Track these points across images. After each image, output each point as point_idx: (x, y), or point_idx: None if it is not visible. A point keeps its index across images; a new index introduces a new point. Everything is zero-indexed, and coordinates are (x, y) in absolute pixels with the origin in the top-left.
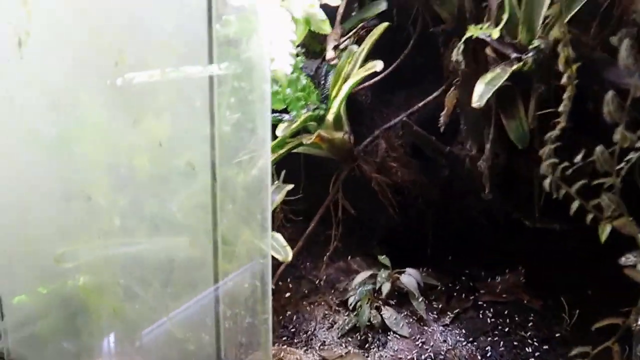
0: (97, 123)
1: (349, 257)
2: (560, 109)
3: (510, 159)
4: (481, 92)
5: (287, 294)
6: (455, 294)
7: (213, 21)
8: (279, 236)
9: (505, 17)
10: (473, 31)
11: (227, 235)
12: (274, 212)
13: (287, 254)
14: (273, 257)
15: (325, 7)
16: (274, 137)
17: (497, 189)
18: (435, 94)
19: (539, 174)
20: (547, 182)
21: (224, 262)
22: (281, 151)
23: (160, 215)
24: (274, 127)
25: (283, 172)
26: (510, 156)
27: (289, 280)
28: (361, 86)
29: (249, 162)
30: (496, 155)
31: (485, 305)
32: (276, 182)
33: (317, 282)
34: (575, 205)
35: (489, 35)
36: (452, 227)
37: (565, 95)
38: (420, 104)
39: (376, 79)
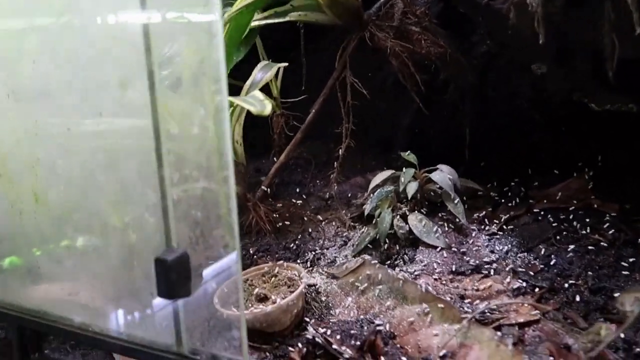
0: None
1: (368, 173)
2: None
3: (569, 14)
4: None
5: (289, 212)
6: (502, 201)
7: None
8: (257, 92)
9: None
10: None
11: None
12: (271, 117)
13: (263, 107)
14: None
15: None
16: None
17: (553, 62)
18: None
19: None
20: None
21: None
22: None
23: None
24: None
25: (282, 66)
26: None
27: (292, 198)
28: None
29: None
30: None
31: (542, 213)
32: (266, 62)
33: (328, 199)
34: None
35: None
36: (495, 122)
37: None
38: None
39: None
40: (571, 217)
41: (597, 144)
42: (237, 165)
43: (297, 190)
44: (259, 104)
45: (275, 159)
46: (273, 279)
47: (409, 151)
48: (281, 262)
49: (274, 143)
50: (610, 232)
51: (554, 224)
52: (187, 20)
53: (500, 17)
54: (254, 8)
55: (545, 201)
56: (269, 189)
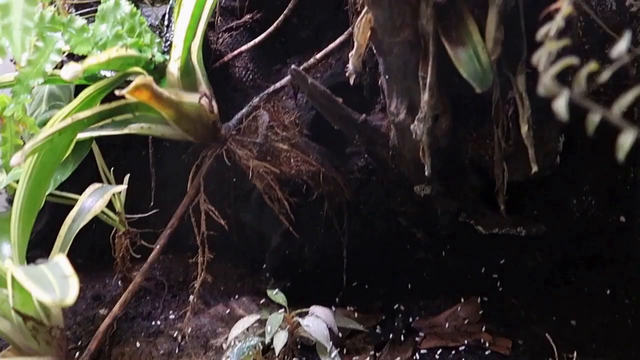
0: None
1: (232, 298)
2: None
3: (455, 129)
4: None
5: None
6: (385, 339)
7: None
8: (61, 260)
9: None
10: None
11: None
12: (113, 235)
13: (65, 291)
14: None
15: None
16: None
17: (437, 182)
18: (341, 39)
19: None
20: (561, 102)
21: None
22: (82, 115)
23: None
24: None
25: (127, 177)
26: (455, 122)
27: (136, 340)
28: (237, 51)
29: None
30: (436, 116)
31: (431, 354)
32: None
33: (180, 340)
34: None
35: None
36: (375, 241)
37: None
38: (319, 56)
39: (257, 40)
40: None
41: (486, 266)
42: (50, 330)
43: (145, 326)
44: (59, 284)
45: (119, 282)
46: None
47: (276, 290)
48: None
49: (116, 266)
50: None
51: None
52: None
53: (380, 135)
54: (72, 130)
55: (434, 335)
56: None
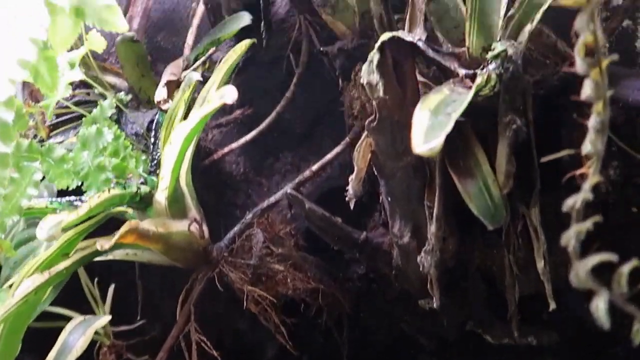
0: None
1: None
2: (588, 148)
3: (463, 244)
4: (428, 126)
5: None
6: None
7: None
8: None
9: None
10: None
11: None
12: (98, 350)
13: None
14: None
15: None
16: None
17: (443, 294)
18: (337, 150)
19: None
20: (600, 305)
21: None
22: (62, 266)
23: None
24: None
25: (111, 289)
26: (462, 239)
27: None
28: (228, 148)
29: None
30: (442, 240)
31: None
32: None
33: None
34: None
35: (420, 39)
36: (376, 350)
37: (593, 122)
38: (315, 167)
39: (248, 137)
40: None
41: None
42: None
43: None
44: None
45: None
46: None
47: None
48: None
49: None
50: None
51: None
52: None
53: (382, 253)
54: (49, 284)
55: None
56: None
